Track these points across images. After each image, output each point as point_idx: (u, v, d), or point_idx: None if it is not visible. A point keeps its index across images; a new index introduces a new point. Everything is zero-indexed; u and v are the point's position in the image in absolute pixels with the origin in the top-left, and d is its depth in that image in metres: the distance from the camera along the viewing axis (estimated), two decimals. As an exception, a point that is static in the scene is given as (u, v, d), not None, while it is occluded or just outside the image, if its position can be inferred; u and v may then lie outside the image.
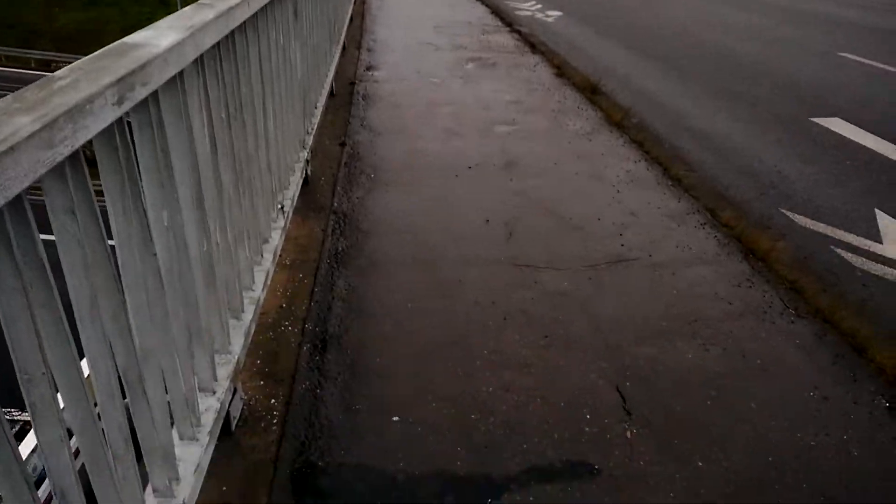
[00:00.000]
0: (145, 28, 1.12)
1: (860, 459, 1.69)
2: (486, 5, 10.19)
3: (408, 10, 9.57)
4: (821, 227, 3.24)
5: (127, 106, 0.86)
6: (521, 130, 4.41)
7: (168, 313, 1.08)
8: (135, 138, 1.00)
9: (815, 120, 4.84)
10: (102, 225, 0.83)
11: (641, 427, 1.78)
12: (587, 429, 1.76)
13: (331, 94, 4.94)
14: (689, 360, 2.08)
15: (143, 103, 1.00)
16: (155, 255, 1.01)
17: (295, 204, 2.74)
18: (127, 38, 1.02)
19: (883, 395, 1.93)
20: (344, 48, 6.48)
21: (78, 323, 0.82)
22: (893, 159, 4.07)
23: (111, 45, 1.00)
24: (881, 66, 6.34)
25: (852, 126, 4.67)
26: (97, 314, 0.84)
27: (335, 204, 3.20)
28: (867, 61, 6.53)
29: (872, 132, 4.52)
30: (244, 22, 1.69)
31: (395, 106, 4.91)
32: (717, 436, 1.75)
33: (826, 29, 8.34)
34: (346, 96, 5.14)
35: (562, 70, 6.07)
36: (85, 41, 34.81)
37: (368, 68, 6.02)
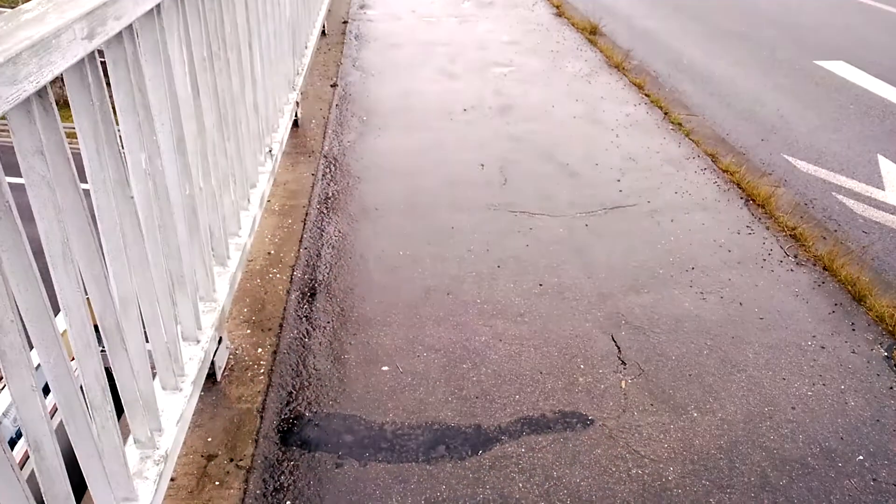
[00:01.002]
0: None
1: (857, 409, 1.69)
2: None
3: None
4: (822, 174, 3.17)
5: (98, 41, 0.80)
6: (518, 72, 4.26)
7: (148, 259, 1.02)
8: (109, 76, 0.93)
9: (819, 63, 4.69)
10: (74, 168, 0.77)
11: (636, 377, 1.76)
12: (581, 378, 1.75)
13: (322, 33, 4.73)
14: (685, 309, 2.05)
15: (118, 38, 0.93)
16: (132, 198, 0.95)
17: (284, 147, 2.64)
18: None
19: (881, 344, 1.92)
20: (334, -16, 6.18)
21: (50, 269, 0.77)
22: (898, 104, 3.97)
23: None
24: (888, 8, 6.11)
25: (856, 69, 4.53)
26: (70, 259, 0.78)
27: (326, 147, 3.10)
28: (874, 3, 6.30)
29: (876, 76, 4.39)
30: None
31: (388, 46, 4.71)
32: (712, 385, 1.74)
33: None
34: (338, 36, 4.93)
35: (561, 10, 5.83)
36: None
37: (362, 6, 5.76)
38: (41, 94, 0.72)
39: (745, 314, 2.04)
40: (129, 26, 0.95)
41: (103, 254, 0.91)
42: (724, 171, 2.99)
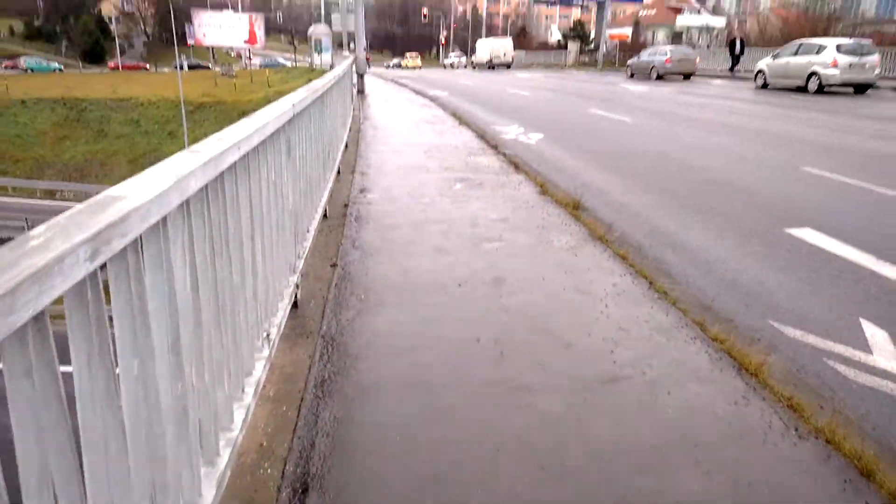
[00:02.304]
0: (132, 178, 1.16)
1: None
2: (473, 131, 10.81)
3: (399, 138, 10.14)
4: (810, 339, 3.22)
5: (102, 259, 0.86)
6: (508, 246, 4.51)
7: (130, 473, 1.02)
8: (109, 286, 0.99)
9: (789, 231, 4.98)
10: (61, 384, 0.80)
11: (646, 571, 1.64)
12: (588, 575, 1.63)
13: (324, 216, 5.09)
14: (694, 492, 1.97)
15: (122, 252, 1.00)
16: (120, 407, 0.98)
17: (283, 330, 2.71)
18: (111, 190, 1.05)
19: (900, 525, 1.82)
20: (338, 173, 6.77)
21: (23, 494, 0.76)
22: (867, 267, 4.15)
23: (96, 197, 1.03)
24: (841, 178, 6.67)
25: (824, 235, 4.80)
26: (47, 485, 0.78)
27: (324, 328, 3.17)
28: (827, 174, 6.88)
29: (843, 241, 4.64)
30: (234, 163, 1.77)
31: (386, 226, 5.04)
32: (728, 579, 1.62)
33: (788, 147, 8.87)
34: (339, 218, 5.28)
35: (545, 188, 6.32)
36: (92, 171, 36.35)
37: (362, 191, 6.25)
38: (37, 317, 0.73)
39: (757, 495, 1.95)
40: (134, 240, 1.00)
41: (83, 472, 0.89)
42: (713, 340, 3.04)
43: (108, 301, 1.01)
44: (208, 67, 55.93)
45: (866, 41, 17.81)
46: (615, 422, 2.37)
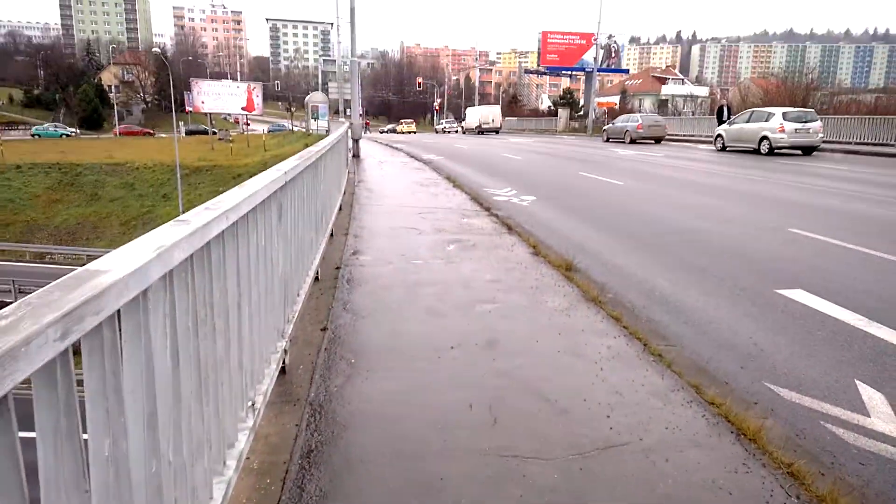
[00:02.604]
0: (115, 251, 1.16)
1: None
2: (466, 193, 10.99)
3: (393, 200, 10.28)
4: (807, 402, 3.17)
5: (73, 338, 0.84)
6: (501, 308, 4.49)
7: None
8: (82, 362, 0.96)
9: (780, 292, 4.99)
10: (23, 470, 0.75)
11: None
12: None
13: (315, 279, 5.08)
14: (693, 567, 1.87)
15: (96, 328, 0.97)
16: (88, 491, 0.93)
17: (269, 397, 2.65)
18: (91, 264, 1.04)
19: None
20: (332, 235, 6.81)
21: None
22: (860, 328, 4.14)
23: (75, 271, 1.02)
24: (828, 239, 6.75)
25: (815, 297, 4.81)
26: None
27: (312, 394, 3.10)
28: (815, 236, 6.96)
29: (835, 302, 4.64)
30: (222, 232, 1.77)
31: (379, 288, 5.02)
32: None
33: (775, 208, 9.04)
34: (331, 280, 5.27)
35: (537, 249, 6.37)
36: (83, 234, 36.45)
37: (354, 253, 6.27)
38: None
39: (760, 571, 1.86)
40: (111, 315, 0.96)
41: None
42: (710, 404, 2.98)
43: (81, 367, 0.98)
44: (206, 133, 57.28)
45: (810, 110, 20.41)
46: (612, 493, 2.28)
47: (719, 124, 23.36)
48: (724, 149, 21.31)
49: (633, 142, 26.36)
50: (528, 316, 4.34)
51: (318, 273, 5.16)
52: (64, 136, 59.15)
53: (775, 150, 18.64)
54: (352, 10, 18.19)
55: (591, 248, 6.77)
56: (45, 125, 64.09)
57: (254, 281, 2.28)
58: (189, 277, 1.46)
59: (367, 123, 37.01)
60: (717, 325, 4.36)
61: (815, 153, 19.00)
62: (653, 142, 26.47)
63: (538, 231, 7.79)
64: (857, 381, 3.34)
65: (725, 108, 24.60)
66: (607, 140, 28.75)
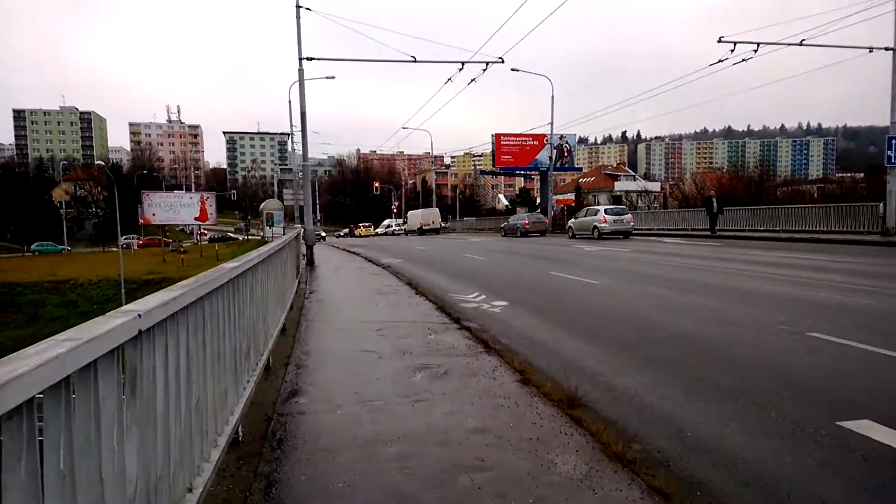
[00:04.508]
0: None
1: None
2: (431, 301, 9.80)
3: (348, 313, 8.97)
4: None
5: None
6: (495, 480, 3.16)
7: None
8: None
9: (844, 424, 3.85)
10: None
11: None
12: None
13: (235, 442, 3.68)
14: None
15: None
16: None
17: None
18: None
19: None
20: (268, 367, 5.45)
21: None
22: None
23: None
24: (863, 346, 5.66)
25: (888, 429, 3.69)
26: None
27: None
28: (844, 341, 5.88)
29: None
30: None
31: (321, 453, 3.64)
32: None
33: (783, 308, 7.99)
34: (256, 442, 3.86)
35: (526, 374, 5.13)
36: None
37: (294, 393, 4.88)
38: None
39: None
40: None
41: None
42: None
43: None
44: (159, 244, 55.34)
45: (624, 206, 30.00)
46: None
47: (708, 214, 23.15)
48: (573, 237, 27.52)
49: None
50: (534, 493, 3.03)
51: (239, 433, 3.77)
52: (65, 251, 56.11)
53: (602, 236, 25.23)
54: (302, 113, 17.74)
55: (588, 368, 5.57)
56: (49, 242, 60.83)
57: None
58: None
59: (322, 233, 38.05)
60: (786, 483, 3.13)
61: (631, 237, 25.63)
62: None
63: (520, 346, 6.58)
64: None
65: (714, 200, 24.04)
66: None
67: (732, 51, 18.66)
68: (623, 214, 26.01)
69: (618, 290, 10.64)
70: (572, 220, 28.93)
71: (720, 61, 19.35)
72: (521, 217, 35.63)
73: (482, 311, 9.12)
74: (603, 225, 25.37)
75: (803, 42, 18.97)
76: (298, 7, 17.60)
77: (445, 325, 7.69)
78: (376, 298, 10.38)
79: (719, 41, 18.72)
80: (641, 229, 31.79)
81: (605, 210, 26.37)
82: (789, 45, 19.07)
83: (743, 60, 19.10)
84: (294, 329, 7.59)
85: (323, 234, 46.22)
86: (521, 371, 5.24)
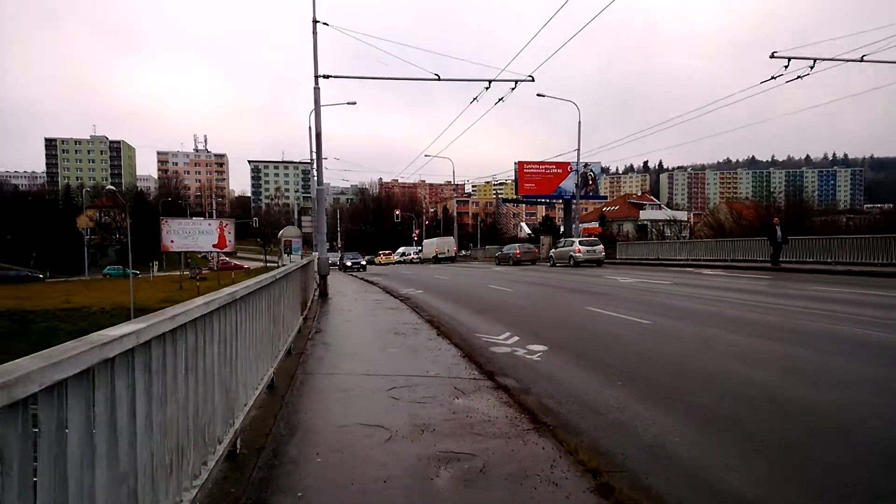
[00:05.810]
0: None
1: None
2: (455, 345, 8.22)
3: (355, 364, 7.38)
4: None
5: None
6: None
7: None
8: None
9: None
10: None
11: None
12: None
13: None
14: None
15: None
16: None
17: None
18: None
19: None
20: (234, 455, 3.92)
21: None
22: None
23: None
24: None
25: None
26: None
27: None
28: None
29: None
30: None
31: None
32: None
33: (848, 349, 6.31)
34: None
35: (601, 475, 3.51)
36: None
37: None
38: None
39: None
40: None
41: None
42: None
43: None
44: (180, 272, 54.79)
45: (595, 238, 33.52)
46: None
47: (772, 243, 21.11)
48: (554, 265, 31.71)
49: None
50: None
51: None
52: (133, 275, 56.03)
53: (579, 264, 29.07)
54: (317, 134, 16.54)
55: (680, 456, 3.93)
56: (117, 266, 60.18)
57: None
58: None
59: (362, 264, 42.34)
60: None
61: (603, 265, 29.53)
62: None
63: (577, 417, 4.97)
64: None
65: (778, 228, 21.59)
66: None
67: (786, 67, 17.08)
68: (595, 245, 30.20)
69: (678, 333, 8.95)
70: (552, 250, 33.40)
71: (773, 78, 17.74)
72: (514, 247, 41.12)
73: (518, 358, 7.52)
74: (578, 255, 29.31)
75: (864, 58, 17.34)
76: (315, 22, 16.58)
77: (476, 381, 6.09)
78: (391, 341, 8.82)
79: (772, 56, 17.16)
80: (674, 260, 29.93)
81: (580, 241, 30.64)
82: (848, 60, 17.44)
83: (798, 77, 17.50)
84: (286, 385, 6.04)
85: (362, 262, 44.41)
86: (593, 469, 3.61)
